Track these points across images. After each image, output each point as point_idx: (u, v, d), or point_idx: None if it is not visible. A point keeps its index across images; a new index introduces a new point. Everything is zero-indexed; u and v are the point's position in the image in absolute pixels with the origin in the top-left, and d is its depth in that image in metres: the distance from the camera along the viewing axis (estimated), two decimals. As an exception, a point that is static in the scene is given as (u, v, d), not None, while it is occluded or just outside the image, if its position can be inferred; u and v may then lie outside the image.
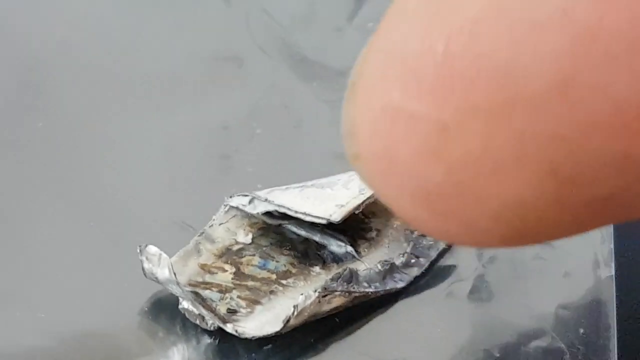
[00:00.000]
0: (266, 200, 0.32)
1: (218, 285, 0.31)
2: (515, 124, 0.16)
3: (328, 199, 0.31)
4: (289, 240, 0.32)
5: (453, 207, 0.17)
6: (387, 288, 0.31)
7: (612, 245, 0.33)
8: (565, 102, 0.15)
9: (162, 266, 0.29)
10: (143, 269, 0.30)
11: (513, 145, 0.16)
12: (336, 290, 0.30)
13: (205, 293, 0.31)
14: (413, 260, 0.32)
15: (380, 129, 0.17)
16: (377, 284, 0.31)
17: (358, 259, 0.32)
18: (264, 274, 0.32)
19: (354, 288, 0.30)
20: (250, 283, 0.31)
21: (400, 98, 0.16)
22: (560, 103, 0.15)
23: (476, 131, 0.16)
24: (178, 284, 0.29)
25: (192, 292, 0.30)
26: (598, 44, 0.15)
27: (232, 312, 0.31)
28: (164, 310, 0.31)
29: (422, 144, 0.16)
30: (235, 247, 0.32)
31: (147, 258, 0.30)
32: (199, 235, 0.32)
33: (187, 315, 0.31)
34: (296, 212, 0.31)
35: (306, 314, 0.30)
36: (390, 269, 0.32)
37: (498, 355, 0.30)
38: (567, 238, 0.17)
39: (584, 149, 0.15)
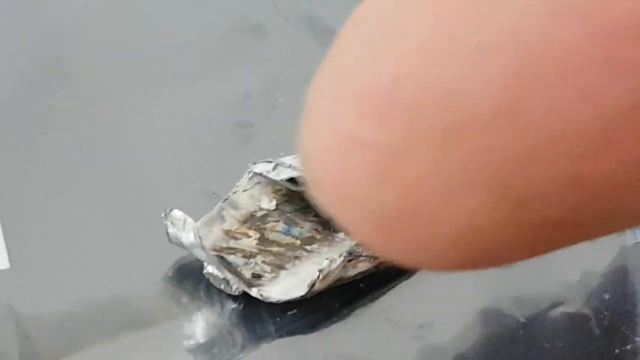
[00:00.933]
0: (290, 166, 0.32)
1: (242, 250, 0.31)
2: (464, 148, 0.15)
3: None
4: (313, 206, 0.32)
5: (407, 231, 0.17)
6: (412, 254, 0.31)
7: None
8: (514, 125, 0.15)
9: (187, 230, 0.29)
10: (168, 233, 0.30)
11: (463, 169, 0.16)
12: (361, 255, 0.30)
13: (230, 258, 0.31)
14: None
15: (332, 155, 0.17)
16: (402, 250, 0.31)
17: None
18: (288, 239, 0.31)
19: (379, 253, 0.30)
20: (274, 249, 0.31)
21: (351, 124, 0.16)
22: (509, 126, 0.15)
23: (426, 155, 0.16)
24: (203, 247, 0.29)
25: (217, 256, 0.30)
26: (546, 62, 0.14)
27: (256, 276, 0.30)
28: (188, 276, 0.31)
29: (373, 169, 0.16)
30: (259, 214, 0.32)
31: (172, 222, 0.30)
32: (222, 202, 0.32)
33: (211, 280, 0.30)
34: (321, 177, 0.31)
35: (331, 278, 0.30)
36: (415, 235, 0.31)
37: (524, 320, 0.30)
38: (522, 262, 0.17)
39: (535, 171, 0.15)
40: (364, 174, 0.16)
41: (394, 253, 0.17)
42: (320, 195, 0.18)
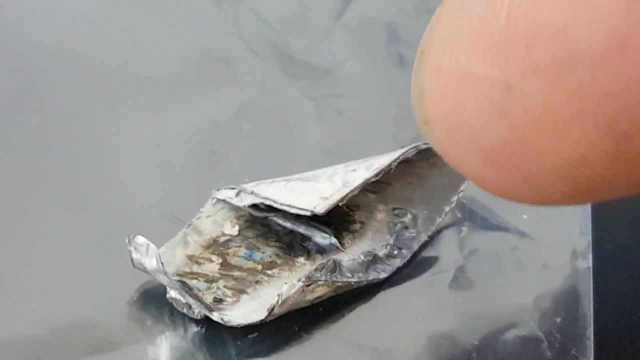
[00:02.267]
0: (252, 193, 0.32)
1: (205, 275, 0.32)
2: (573, 82, 0.16)
3: (312, 191, 0.32)
4: (274, 232, 0.33)
5: (516, 164, 0.17)
6: (370, 278, 0.32)
7: (589, 238, 0.33)
8: (620, 61, 0.16)
9: (150, 256, 0.30)
10: (132, 259, 0.31)
11: (571, 103, 0.16)
12: (320, 280, 0.31)
13: (193, 283, 0.31)
14: (395, 252, 0.33)
15: (447, 92, 0.18)
16: (360, 274, 0.32)
17: (342, 250, 0.33)
18: (249, 264, 0.32)
19: (337, 278, 0.31)
20: (236, 273, 0.32)
21: (467, 61, 0.17)
22: (616, 61, 0.16)
23: (537, 90, 0.17)
24: (165, 273, 0.30)
25: (179, 281, 0.31)
26: None
27: (218, 301, 0.31)
28: (153, 300, 0.32)
29: (487, 103, 0.17)
30: (222, 239, 0.33)
31: (135, 248, 0.30)
32: (186, 227, 0.33)
33: (174, 304, 0.31)
34: (281, 204, 0.32)
35: (290, 302, 0.30)
36: (373, 260, 0.32)
37: (477, 343, 0.31)
38: (629, 196, 0.18)
39: (638, 105, 0.16)
40: (477, 108, 0.17)
41: (501, 187, 0.18)
42: (432, 133, 0.18)
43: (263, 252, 0.33)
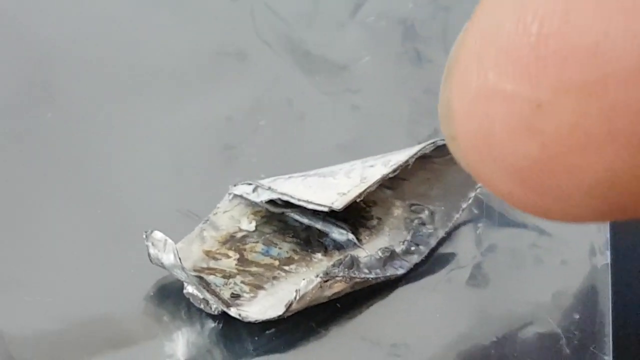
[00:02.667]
0: (269, 188, 0.32)
1: (222, 270, 0.32)
2: (605, 100, 0.16)
3: (330, 187, 0.32)
4: (291, 227, 0.33)
5: (546, 182, 0.17)
6: (388, 274, 0.32)
7: (608, 235, 0.33)
8: None
9: (168, 251, 0.30)
10: (149, 254, 0.31)
11: (603, 121, 0.16)
12: (337, 276, 0.31)
13: (210, 278, 0.31)
14: (413, 248, 0.33)
15: (475, 109, 0.17)
16: (378, 270, 0.32)
17: (359, 246, 0.33)
18: (266, 260, 0.32)
19: (354, 274, 0.31)
20: (253, 269, 0.32)
21: (496, 79, 0.17)
22: None
23: (568, 108, 0.16)
24: (183, 268, 0.30)
25: (196, 276, 0.31)
26: None
27: (235, 296, 0.31)
28: (169, 295, 0.32)
29: (517, 121, 0.17)
30: (239, 235, 0.33)
31: (152, 244, 0.30)
32: (203, 223, 0.33)
33: (191, 300, 0.31)
34: (299, 200, 0.32)
35: (308, 298, 0.30)
36: (391, 256, 0.32)
37: (495, 339, 0.31)
38: None
39: None
40: (507, 127, 0.17)
41: (531, 205, 0.18)
42: (460, 151, 0.18)
43: (280, 248, 0.33)
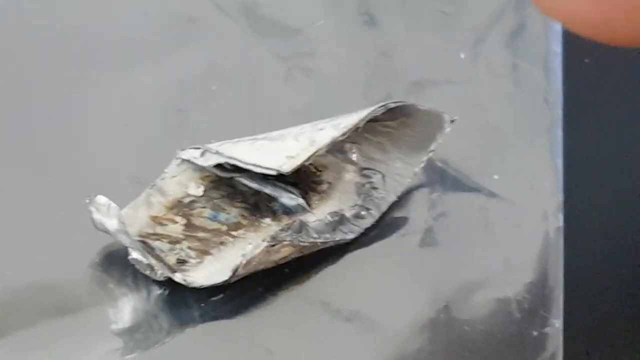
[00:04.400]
0: (217, 152, 0.32)
1: (168, 236, 0.31)
2: None
3: (278, 150, 0.31)
4: (240, 192, 0.33)
5: None
6: (337, 239, 0.32)
7: (561, 199, 0.33)
8: None
9: (111, 216, 0.30)
10: (92, 219, 0.30)
11: None
12: (285, 240, 0.30)
13: (156, 244, 0.31)
14: (364, 212, 0.32)
15: None
16: (327, 235, 0.31)
17: (309, 211, 0.32)
18: (214, 225, 0.32)
19: (303, 238, 0.31)
20: (200, 234, 0.31)
21: None
22: None
23: None
24: (127, 233, 0.30)
25: (140, 241, 0.30)
26: None
27: (181, 262, 0.31)
28: (115, 262, 0.31)
29: None
30: (187, 200, 0.32)
31: (96, 208, 0.30)
32: (150, 188, 0.32)
33: (137, 266, 0.31)
34: (246, 163, 0.31)
35: (254, 263, 0.30)
36: (340, 221, 0.32)
37: (445, 304, 0.31)
38: None
39: None
40: None
41: (599, 22, 0.18)
42: None
43: (228, 213, 0.32)
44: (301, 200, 0.32)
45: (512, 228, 0.32)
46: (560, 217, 0.32)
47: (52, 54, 0.37)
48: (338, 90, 0.36)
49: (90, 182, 0.33)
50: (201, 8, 0.39)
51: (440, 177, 0.34)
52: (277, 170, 0.31)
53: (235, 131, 0.34)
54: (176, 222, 0.32)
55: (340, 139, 0.32)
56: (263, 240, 0.30)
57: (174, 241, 0.31)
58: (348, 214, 0.32)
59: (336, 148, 0.33)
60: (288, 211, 0.32)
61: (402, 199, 0.33)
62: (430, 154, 0.33)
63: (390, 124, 0.33)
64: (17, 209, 0.32)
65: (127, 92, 0.36)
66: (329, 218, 0.32)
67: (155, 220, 0.32)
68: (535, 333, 0.30)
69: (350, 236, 0.32)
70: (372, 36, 0.38)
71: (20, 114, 0.35)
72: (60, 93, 0.36)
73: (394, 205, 0.33)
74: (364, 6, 0.39)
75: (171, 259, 0.31)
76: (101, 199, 0.30)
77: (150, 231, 0.31)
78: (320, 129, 0.32)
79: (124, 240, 0.30)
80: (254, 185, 0.32)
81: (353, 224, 0.32)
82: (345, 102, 0.36)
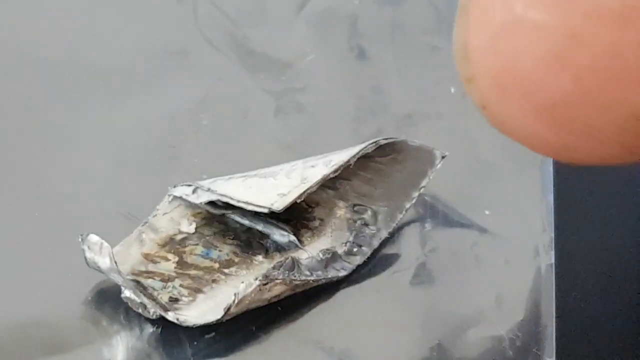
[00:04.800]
0: (209, 190, 0.32)
1: (161, 274, 0.31)
2: None
3: (270, 188, 0.31)
4: (232, 229, 0.33)
5: (578, 118, 0.16)
6: (329, 276, 0.32)
7: (552, 235, 0.33)
8: None
9: (104, 255, 0.30)
10: (85, 257, 0.30)
11: (639, 50, 0.16)
12: (277, 278, 0.30)
13: (148, 282, 0.31)
14: (355, 249, 0.32)
15: (500, 45, 0.16)
16: (319, 272, 0.31)
17: (301, 248, 0.32)
18: (206, 262, 0.32)
19: (295, 276, 0.31)
20: (192, 272, 0.31)
21: (523, 10, 0.16)
22: None
23: (604, 37, 0.16)
24: (119, 272, 0.29)
25: (133, 280, 0.30)
26: None
27: (174, 300, 0.31)
28: (108, 299, 0.31)
29: (548, 53, 0.16)
30: (179, 237, 0.32)
31: (88, 247, 0.30)
32: (142, 225, 0.32)
33: (129, 304, 0.31)
34: (238, 201, 0.31)
35: (247, 301, 0.30)
36: (333, 258, 0.32)
37: (437, 342, 0.31)
38: None
39: None
40: (537, 59, 0.16)
41: (558, 145, 0.17)
42: (478, 92, 0.17)
43: (220, 250, 0.32)
44: (293, 237, 0.32)
45: (504, 264, 0.32)
46: (552, 253, 0.32)
47: (42, 87, 0.37)
48: (329, 125, 0.37)
49: (81, 218, 0.33)
50: (192, 42, 0.39)
51: (432, 213, 0.34)
52: (269, 208, 0.31)
53: (226, 167, 0.34)
54: (168, 260, 0.32)
55: (332, 176, 0.32)
56: (255, 279, 0.30)
57: (166, 279, 0.31)
58: (340, 250, 0.32)
59: (327, 184, 0.33)
60: (280, 248, 0.32)
61: (394, 235, 0.33)
62: (422, 190, 0.33)
63: (381, 160, 0.33)
64: (9, 245, 0.32)
65: (118, 127, 0.36)
66: (321, 255, 0.32)
67: (148, 257, 0.31)
68: (528, 371, 0.30)
69: (343, 273, 0.32)
70: (363, 70, 0.38)
71: (9, 149, 0.35)
72: (49, 127, 0.36)
73: (385, 242, 0.33)
74: (355, 40, 0.39)
75: (164, 297, 0.31)
76: (93, 237, 0.30)
77: (143, 269, 0.31)
78: (312, 166, 0.32)
79: (117, 279, 0.30)
80: (245, 222, 0.32)
81: (345, 260, 0.32)
82: (336, 136, 0.36)
